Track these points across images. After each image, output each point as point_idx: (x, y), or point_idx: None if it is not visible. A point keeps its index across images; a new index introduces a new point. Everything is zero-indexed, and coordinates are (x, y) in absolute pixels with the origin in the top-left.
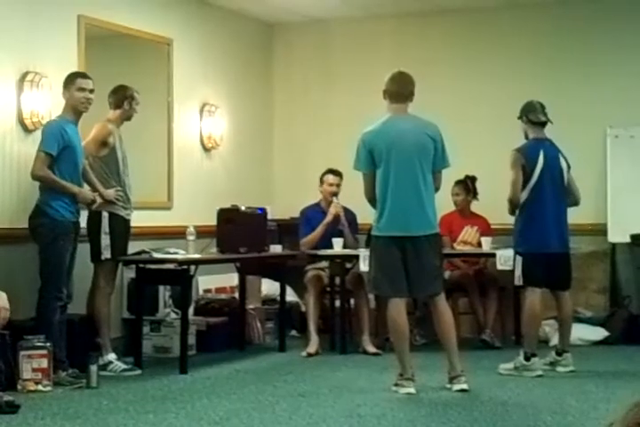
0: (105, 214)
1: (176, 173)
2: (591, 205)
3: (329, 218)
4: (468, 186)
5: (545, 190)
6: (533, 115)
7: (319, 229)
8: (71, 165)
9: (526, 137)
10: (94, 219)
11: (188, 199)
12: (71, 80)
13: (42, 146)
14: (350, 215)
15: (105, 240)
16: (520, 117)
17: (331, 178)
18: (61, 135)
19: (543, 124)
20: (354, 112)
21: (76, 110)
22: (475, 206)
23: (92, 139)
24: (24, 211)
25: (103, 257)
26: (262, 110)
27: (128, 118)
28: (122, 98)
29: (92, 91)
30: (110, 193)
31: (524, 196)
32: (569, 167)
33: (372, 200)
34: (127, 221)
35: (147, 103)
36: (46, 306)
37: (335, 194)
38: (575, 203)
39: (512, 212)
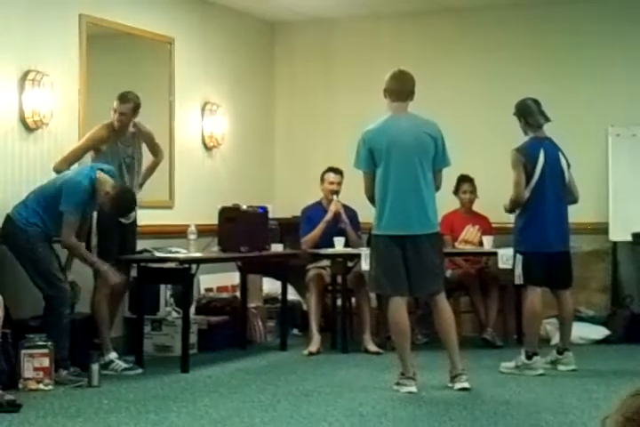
0: (94, 215)
1: (177, 171)
2: (592, 203)
3: (329, 215)
4: (474, 184)
5: (546, 190)
6: (532, 119)
7: (320, 227)
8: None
9: (526, 133)
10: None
11: (189, 198)
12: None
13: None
14: (351, 213)
15: (93, 241)
16: (517, 118)
17: (331, 176)
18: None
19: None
20: (355, 111)
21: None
22: (475, 205)
23: (85, 140)
24: None
25: None
26: (264, 109)
27: (116, 130)
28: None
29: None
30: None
31: (525, 195)
32: (569, 166)
33: (371, 198)
34: (124, 225)
35: (148, 102)
36: (52, 310)
37: (336, 192)
38: (574, 201)
39: (510, 210)
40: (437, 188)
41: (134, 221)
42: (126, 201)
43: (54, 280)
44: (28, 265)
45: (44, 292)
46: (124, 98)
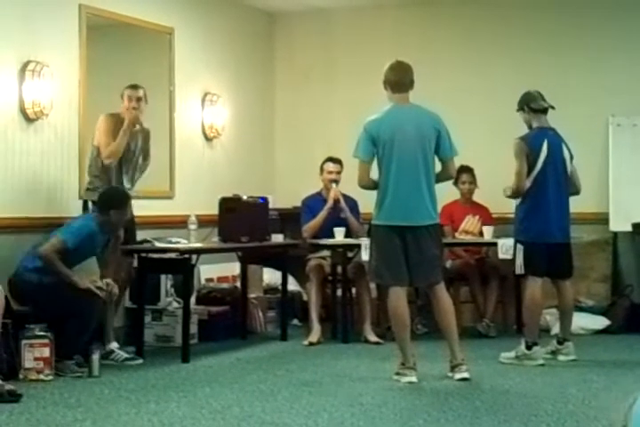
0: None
1: (178, 162)
2: (593, 193)
3: (330, 203)
4: (474, 174)
5: (547, 180)
6: (534, 103)
7: (321, 215)
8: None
9: (530, 127)
10: None
11: (189, 188)
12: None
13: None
14: (352, 202)
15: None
16: (520, 109)
17: (331, 166)
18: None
19: (545, 112)
20: (355, 101)
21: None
22: (475, 196)
23: (104, 133)
24: (26, 200)
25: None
26: (264, 100)
27: (130, 118)
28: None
29: None
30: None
31: (526, 185)
32: (572, 157)
33: (365, 188)
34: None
35: (148, 93)
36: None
37: (335, 181)
38: (576, 192)
39: (510, 197)
40: (451, 176)
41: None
42: (114, 194)
43: (77, 301)
44: (50, 307)
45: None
46: (135, 85)
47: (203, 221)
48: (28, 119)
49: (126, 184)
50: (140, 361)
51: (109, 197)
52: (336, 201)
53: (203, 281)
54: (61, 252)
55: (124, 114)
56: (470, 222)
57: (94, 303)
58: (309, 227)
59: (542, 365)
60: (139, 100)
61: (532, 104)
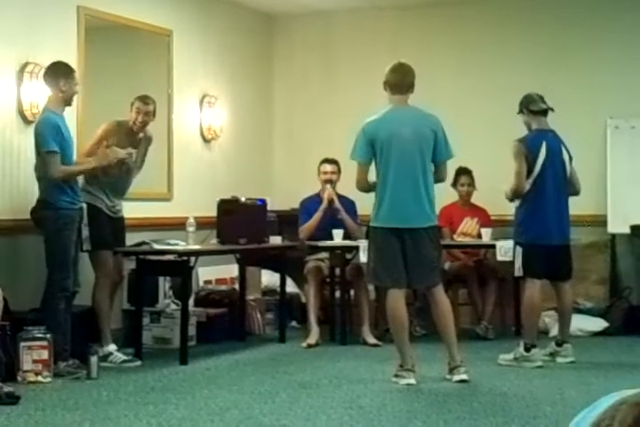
0: (84, 206)
1: (176, 164)
2: (591, 195)
3: (325, 204)
4: (473, 176)
5: (547, 182)
6: (534, 105)
7: (317, 215)
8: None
9: (529, 129)
10: None
11: (187, 190)
12: (71, 73)
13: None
14: (349, 203)
15: (84, 231)
16: (520, 111)
17: (327, 167)
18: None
19: (545, 114)
20: (354, 103)
21: (67, 103)
22: (474, 198)
23: (94, 139)
24: (24, 202)
25: (84, 248)
26: (262, 102)
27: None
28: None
29: None
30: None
31: (526, 187)
32: (571, 159)
33: (363, 190)
34: (113, 220)
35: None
36: (52, 296)
37: (330, 182)
38: (575, 193)
39: (511, 199)
40: (442, 179)
41: (122, 217)
42: (56, 64)
43: (61, 269)
44: (45, 245)
45: (48, 269)
46: (147, 99)
47: (201, 223)
48: (26, 121)
49: (124, 192)
50: (139, 363)
51: (53, 69)
52: (330, 202)
53: (201, 283)
54: (60, 160)
55: (130, 123)
56: (469, 224)
57: (62, 298)
58: (305, 228)
59: (541, 367)
60: (147, 114)
61: (531, 106)
